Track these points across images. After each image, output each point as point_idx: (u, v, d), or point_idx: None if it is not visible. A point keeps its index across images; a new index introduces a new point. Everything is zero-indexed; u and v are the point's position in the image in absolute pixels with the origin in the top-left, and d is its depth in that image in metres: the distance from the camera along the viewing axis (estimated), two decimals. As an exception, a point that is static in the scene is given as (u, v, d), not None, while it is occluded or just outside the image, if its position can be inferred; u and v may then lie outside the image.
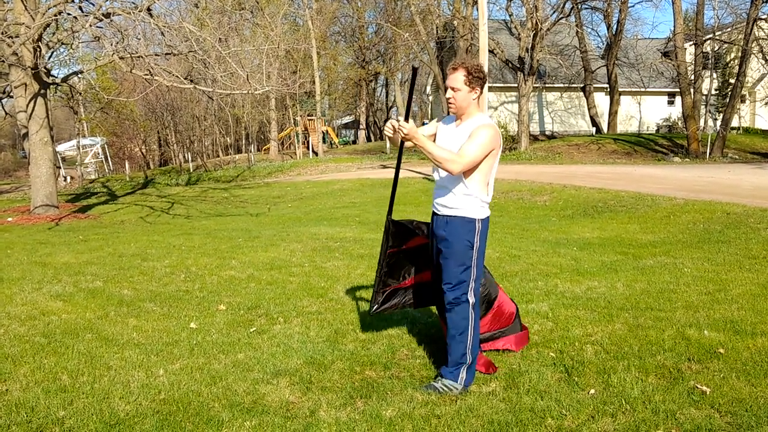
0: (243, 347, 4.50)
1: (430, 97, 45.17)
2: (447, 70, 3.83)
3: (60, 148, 37.68)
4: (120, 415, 3.42)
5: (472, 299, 3.75)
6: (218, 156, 45.48)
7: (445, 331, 3.95)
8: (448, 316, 3.79)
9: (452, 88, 3.71)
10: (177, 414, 3.43)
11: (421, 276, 4.23)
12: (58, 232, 12.48)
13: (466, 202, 3.73)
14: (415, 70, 4.22)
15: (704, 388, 3.54)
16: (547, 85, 37.90)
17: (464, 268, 3.73)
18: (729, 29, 33.67)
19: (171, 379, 3.89)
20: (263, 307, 5.59)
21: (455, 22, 32.49)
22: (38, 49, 15.17)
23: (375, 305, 4.13)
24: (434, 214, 3.92)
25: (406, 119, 3.64)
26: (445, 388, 3.68)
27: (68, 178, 35.50)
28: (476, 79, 3.69)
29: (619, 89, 36.77)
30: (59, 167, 32.76)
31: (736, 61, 31.53)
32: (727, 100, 29.56)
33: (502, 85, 36.31)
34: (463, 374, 3.74)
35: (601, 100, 38.42)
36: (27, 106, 15.60)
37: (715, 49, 35.03)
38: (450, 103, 3.75)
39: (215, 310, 5.56)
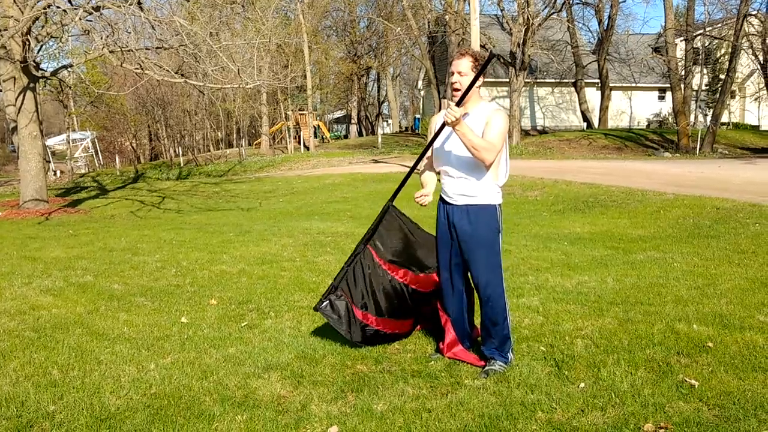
0: (234, 342, 4.50)
1: (422, 92, 45.16)
2: (453, 55, 3.87)
3: (50, 142, 37.48)
4: (111, 410, 3.42)
5: (504, 286, 3.95)
6: (209, 150, 45.31)
7: (446, 322, 4.12)
8: (487, 309, 3.89)
9: (459, 73, 3.75)
10: (168, 408, 3.43)
11: (391, 323, 4.26)
12: (47, 226, 12.42)
13: (485, 188, 3.82)
14: (491, 56, 3.89)
15: (693, 381, 3.56)
16: (538, 80, 38.00)
17: (496, 255, 3.87)
18: (719, 25, 33.82)
19: (162, 374, 3.89)
20: (254, 302, 5.59)
21: (447, 17, 32.47)
22: (27, 43, 15.07)
23: (322, 302, 4.15)
24: (447, 204, 3.91)
25: (459, 104, 3.70)
26: (503, 367, 3.87)
27: (58, 173, 35.31)
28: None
29: (610, 84, 36.91)
30: (49, 161, 32.58)
31: (727, 56, 31.70)
32: (717, 95, 29.72)
33: (493, 80, 36.34)
34: (510, 353, 3.97)
35: (592, 96, 38.54)
36: (16, 99, 15.49)
37: (706, 44, 35.20)
38: (456, 89, 3.77)
39: (206, 304, 5.55)
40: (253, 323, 4.96)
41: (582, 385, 3.61)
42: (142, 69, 15.10)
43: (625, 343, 4.23)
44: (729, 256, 7.00)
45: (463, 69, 3.75)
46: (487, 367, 3.88)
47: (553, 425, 3.18)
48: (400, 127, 55.05)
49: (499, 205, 3.90)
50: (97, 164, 41.27)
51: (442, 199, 3.98)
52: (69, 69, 18.49)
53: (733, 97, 38.04)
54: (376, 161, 26.53)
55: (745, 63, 35.63)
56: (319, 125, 45.03)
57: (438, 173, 4.05)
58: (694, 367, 3.80)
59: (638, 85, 40.18)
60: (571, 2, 33.51)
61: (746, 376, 3.63)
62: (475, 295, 4.01)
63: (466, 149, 3.70)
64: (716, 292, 5.47)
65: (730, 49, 28.80)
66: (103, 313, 5.31)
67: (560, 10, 31.88)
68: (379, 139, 36.08)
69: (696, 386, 3.51)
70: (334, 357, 4.14)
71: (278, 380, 3.78)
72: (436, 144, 3.92)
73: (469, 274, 3.98)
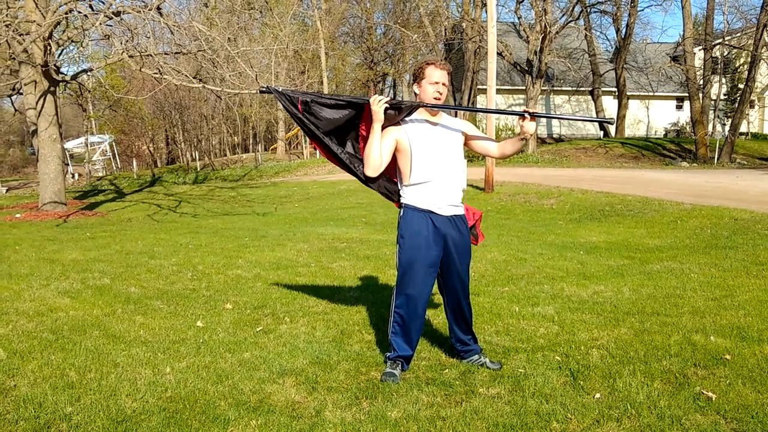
0: (249, 346, 4.52)
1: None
2: (436, 65, 3.88)
3: (68, 145, 37.83)
4: (127, 412, 3.44)
5: None
6: (225, 155, 45.59)
7: (456, 324, 4.12)
8: (467, 301, 4.08)
9: (444, 84, 3.87)
10: (183, 412, 3.44)
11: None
12: (65, 229, 12.54)
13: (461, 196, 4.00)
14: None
15: (710, 394, 3.53)
16: (555, 89, 37.90)
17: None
18: (738, 34, 33.59)
19: (177, 377, 3.91)
20: (269, 307, 5.61)
21: (464, 25, 32.48)
22: (48, 47, 15.25)
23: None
24: (439, 217, 3.84)
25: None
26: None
27: (76, 175, 35.65)
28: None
29: (628, 93, 36.74)
30: (67, 164, 32.88)
31: (746, 66, 31.45)
32: (736, 105, 29.49)
33: (510, 87, 36.31)
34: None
35: (609, 104, 38.36)
36: (36, 103, 15.68)
37: (725, 54, 34.95)
38: (438, 98, 3.86)
39: (222, 308, 5.58)
40: (268, 328, 4.97)
41: (597, 395, 3.59)
42: (160, 73, 15.24)
43: (641, 354, 4.20)
44: (747, 268, 6.93)
45: (446, 80, 3.88)
46: (486, 361, 4.10)
47: (568, 436, 3.16)
48: (416, 133, 54.94)
49: None
50: (114, 167, 41.64)
51: (424, 210, 3.84)
52: (89, 73, 18.69)
53: (752, 106, 37.73)
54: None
55: (765, 73, 35.36)
56: (334, 131, 45.05)
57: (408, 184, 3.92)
58: (712, 379, 3.76)
59: (656, 94, 39.95)
60: (588, 10, 33.42)
61: (765, 390, 3.59)
62: None
63: (458, 156, 3.90)
64: (734, 304, 5.42)
65: (749, 59, 28.57)
66: (119, 315, 5.35)
67: (578, 18, 31.78)
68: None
69: (713, 399, 3.48)
70: (348, 363, 4.15)
71: (293, 386, 3.79)
72: (425, 151, 3.83)
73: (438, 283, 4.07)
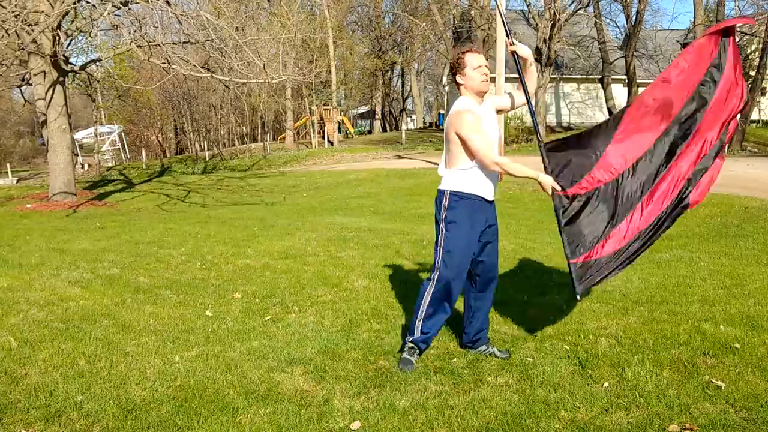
0: (258, 335, 4.54)
1: (447, 88, 44.98)
2: (473, 51, 3.91)
3: (78, 135, 37.96)
4: (136, 401, 3.47)
5: None
6: (234, 145, 45.63)
7: (478, 312, 4.14)
8: (491, 295, 4.16)
9: (486, 66, 3.90)
10: (192, 401, 3.47)
11: (620, 231, 3.84)
12: (75, 219, 12.60)
13: None
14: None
15: (719, 382, 3.52)
16: (564, 77, 37.63)
17: None
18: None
19: (187, 366, 3.93)
20: (278, 296, 5.63)
21: (472, 12, 32.29)
22: (57, 37, 15.27)
23: (575, 285, 3.84)
24: (485, 203, 3.94)
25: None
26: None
27: (86, 166, 35.75)
28: None
29: (638, 81, 36.39)
30: (77, 155, 33.01)
31: (757, 53, 31.12)
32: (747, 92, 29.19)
33: (518, 75, 36.08)
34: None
35: (619, 92, 38.06)
36: (46, 93, 15.72)
37: (736, 40, 34.57)
38: (486, 80, 3.90)
39: (230, 298, 5.60)
40: (276, 317, 4.99)
41: (606, 384, 3.58)
42: (168, 63, 15.23)
43: (650, 343, 4.19)
44: (757, 256, 6.89)
45: (487, 63, 3.94)
46: (495, 350, 4.13)
47: (576, 424, 3.16)
48: (424, 122, 54.91)
49: None
50: (123, 158, 41.77)
51: (480, 198, 3.90)
52: (97, 63, 18.69)
53: (763, 94, 37.34)
54: (400, 157, 26.51)
55: (777, 60, 34.98)
56: (343, 120, 45.12)
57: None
58: (721, 368, 3.75)
59: (666, 81, 39.60)
60: (598, -3, 33.10)
61: (774, 379, 3.57)
62: None
63: (499, 134, 4.01)
64: (744, 293, 5.39)
65: (761, 46, 28.29)
66: (129, 305, 5.38)
67: (587, 6, 31.50)
68: (403, 135, 36.06)
69: (722, 388, 3.47)
70: (356, 352, 4.16)
71: (301, 374, 3.81)
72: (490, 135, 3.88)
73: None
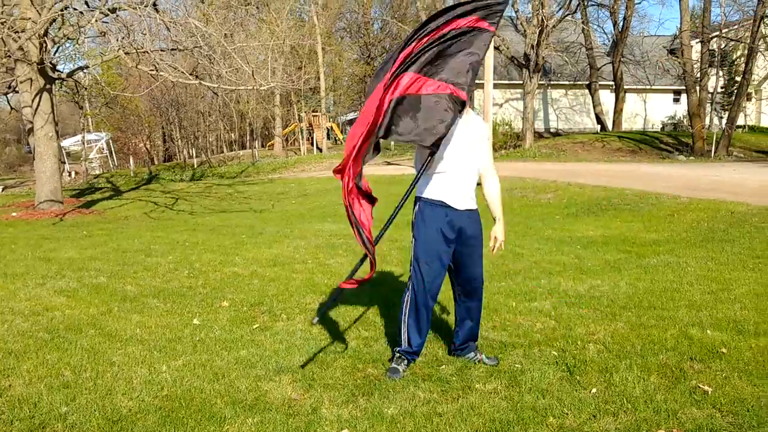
0: (246, 344, 4.51)
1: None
2: None
3: (65, 143, 37.76)
4: (122, 412, 3.43)
5: None
6: (222, 152, 45.53)
7: (467, 319, 4.11)
8: (478, 304, 4.09)
9: None
10: (179, 410, 3.44)
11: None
12: (62, 227, 12.51)
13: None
14: None
15: (706, 387, 3.53)
16: (552, 83, 37.83)
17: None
18: (736, 27, 33.55)
19: (174, 376, 3.90)
20: (266, 304, 5.60)
21: (460, 19, 32.34)
22: (44, 44, 15.19)
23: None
24: (453, 210, 3.84)
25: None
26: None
27: (73, 173, 35.57)
28: None
29: (625, 87, 36.66)
30: (64, 162, 32.83)
31: (743, 58, 31.39)
32: (733, 98, 29.47)
33: (507, 82, 36.23)
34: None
35: (607, 98, 38.30)
36: (32, 101, 15.62)
37: (722, 46, 34.89)
38: None
39: (218, 306, 5.57)
40: (264, 325, 4.97)
41: (594, 390, 3.59)
42: (156, 70, 15.18)
43: (638, 348, 4.21)
44: (743, 261, 6.94)
45: None
46: (483, 357, 4.10)
47: (565, 431, 3.16)
48: (413, 128, 54.80)
49: None
50: (111, 165, 41.56)
51: (447, 205, 3.85)
52: (85, 70, 18.61)
53: (749, 99, 37.67)
54: (389, 163, 26.54)
55: (762, 65, 35.36)
56: (332, 127, 45.12)
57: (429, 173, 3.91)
58: (708, 373, 3.76)
59: (653, 87, 39.90)
60: (585, 3, 33.32)
61: (760, 383, 3.59)
62: None
63: (477, 147, 3.86)
64: (730, 297, 5.42)
65: (746, 51, 28.55)
66: (115, 314, 5.34)
67: (575, 12, 31.70)
68: (392, 142, 36.07)
69: (709, 392, 3.48)
70: (344, 360, 4.14)
71: (289, 383, 3.79)
72: (450, 141, 3.79)
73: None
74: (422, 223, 3.89)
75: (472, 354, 4.11)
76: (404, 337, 3.96)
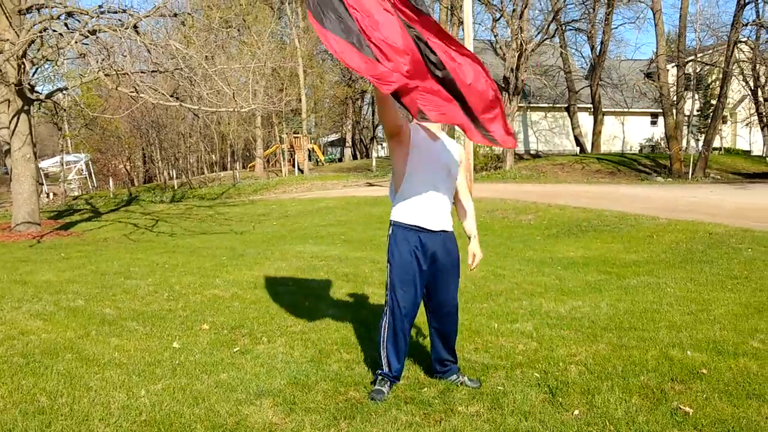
0: (226, 367, 4.46)
1: (416, 116, 45.18)
2: None
3: (43, 164, 37.40)
4: (99, 438, 3.37)
5: None
6: (203, 173, 45.34)
7: (440, 343, 4.08)
8: (453, 321, 4.06)
9: None
10: (158, 436, 3.38)
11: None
12: (39, 249, 12.35)
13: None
14: None
15: (687, 408, 3.54)
16: (531, 105, 38.28)
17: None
18: (710, 51, 34.24)
19: (153, 400, 3.84)
20: (247, 327, 5.55)
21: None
22: (22, 66, 15.09)
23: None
24: (430, 232, 3.82)
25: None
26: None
27: (51, 195, 35.18)
28: None
29: (603, 109, 37.19)
30: (42, 184, 32.49)
31: (718, 82, 32.00)
32: (709, 120, 29.97)
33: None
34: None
35: (585, 120, 38.80)
36: (10, 122, 15.48)
37: (697, 70, 35.55)
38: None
39: (198, 329, 5.51)
40: (245, 348, 4.92)
41: (576, 412, 3.58)
42: (137, 92, 15.12)
43: (619, 370, 4.21)
44: (722, 282, 7.00)
45: None
46: (465, 379, 4.07)
47: (548, 454, 3.15)
48: (395, 150, 55.00)
49: None
50: (90, 187, 41.19)
51: (414, 227, 3.82)
52: (64, 92, 18.51)
53: (724, 122, 38.39)
54: (371, 184, 26.57)
55: (736, 89, 36.07)
56: (313, 148, 45.17)
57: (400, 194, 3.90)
58: (689, 393, 3.78)
59: (631, 110, 40.52)
60: (563, 28, 33.87)
61: (740, 403, 3.61)
62: None
63: (453, 171, 3.90)
64: (710, 318, 5.46)
65: (721, 75, 29.10)
66: (93, 338, 5.26)
67: (553, 36, 32.18)
68: (374, 162, 36.20)
69: (690, 413, 3.49)
70: (326, 383, 4.11)
71: (270, 407, 3.74)
72: (420, 158, 3.77)
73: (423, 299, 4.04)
74: (395, 248, 3.86)
75: (454, 376, 4.09)
76: (384, 361, 3.93)
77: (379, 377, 3.95)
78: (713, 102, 32.68)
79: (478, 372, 4.28)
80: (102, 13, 15.30)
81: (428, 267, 3.87)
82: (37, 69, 17.64)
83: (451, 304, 4.01)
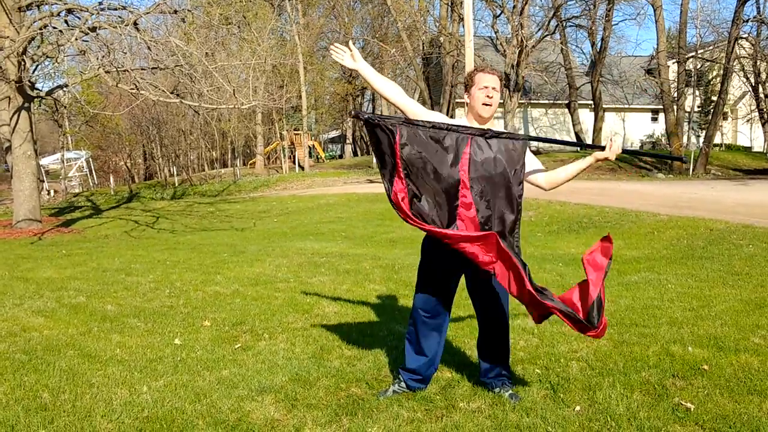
0: (228, 364, 4.46)
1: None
2: (485, 71, 3.74)
3: (44, 161, 37.42)
4: (102, 434, 3.38)
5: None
6: (204, 170, 45.37)
7: (481, 348, 3.95)
8: (496, 332, 3.87)
9: (494, 88, 3.67)
10: (160, 432, 3.39)
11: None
12: (40, 246, 12.36)
13: None
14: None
15: (688, 404, 3.55)
16: (532, 102, 38.22)
17: None
18: (711, 47, 34.22)
19: (154, 397, 3.85)
20: (248, 323, 5.56)
21: (441, 39, 32.72)
22: (23, 63, 15.09)
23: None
24: None
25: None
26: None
27: (52, 192, 35.23)
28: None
29: (604, 106, 37.14)
30: (43, 181, 32.49)
31: (718, 78, 31.98)
32: (710, 117, 29.94)
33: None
34: None
35: (586, 117, 38.75)
36: (10, 119, 15.49)
37: (698, 66, 35.52)
38: (489, 104, 3.67)
39: (200, 326, 5.52)
40: (246, 345, 4.92)
41: (577, 408, 3.59)
42: (137, 89, 15.12)
43: (621, 366, 4.22)
44: (723, 278, 7.00)
45: (497, 85, 3.70)
46: (509, 392, 3.82)
47: (549, 449, 3.15)
48: (395, 147, 54.96)
49: None
50: (91, 184, 41.22)
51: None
52: (64, 89, 18.50)
53: (725, 118, 38.33)
54: (371, 181, 26.57)
55: (737, 85, 36.01)
56: (314, 145, 45.15)
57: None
58: (690, 390, 3.78)
59: (631, 106, 40.46)
60: (564, 24, 33.80)
61: (742, 399, 3.61)
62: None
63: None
64: (711, 314, 5.47)
65: (721, 72, 29.09)
66: (95, 334, 5.27)
67: (553, 33, 32.15)
68: (374, 159, 36.13)
69: (692, 409, 3.49)
70: (328, 379, 4.11)
71: (272, 403, 3.75)
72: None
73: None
74: (426, 242, 3.80)
75: (498, 389, 3.84)
76: (405, 355, 3.90)
77: (398, 374, 3.96)
78: (714, 98, 32.67)
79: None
80: (102, 10, 15.30)
81: (461, 268, 3.75)
82: (37, 66, 17.65)
83: (496, 308, 3.89)
